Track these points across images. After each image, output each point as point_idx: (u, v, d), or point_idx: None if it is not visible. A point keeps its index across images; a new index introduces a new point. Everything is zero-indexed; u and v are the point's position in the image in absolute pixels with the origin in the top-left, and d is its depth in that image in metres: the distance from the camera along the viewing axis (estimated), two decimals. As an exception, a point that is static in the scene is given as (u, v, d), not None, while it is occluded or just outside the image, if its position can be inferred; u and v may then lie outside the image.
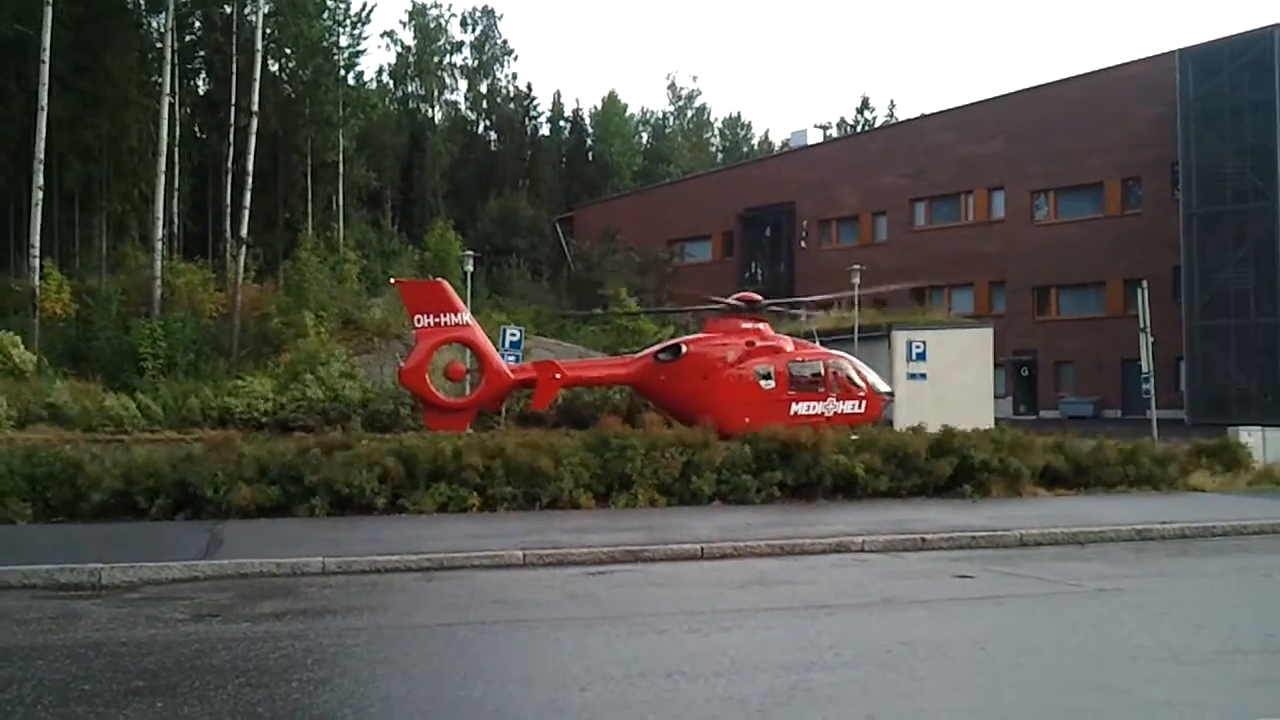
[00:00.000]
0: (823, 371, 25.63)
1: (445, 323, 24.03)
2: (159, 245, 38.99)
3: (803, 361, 25.81)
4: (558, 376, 25.04)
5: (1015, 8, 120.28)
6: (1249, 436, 24.20)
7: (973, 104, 55.72)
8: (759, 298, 28.62)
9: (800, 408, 24.52)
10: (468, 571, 12.84)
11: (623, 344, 33.59)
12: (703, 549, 14.03)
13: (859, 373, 26.16)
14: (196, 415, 27.61)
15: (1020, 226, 52.70)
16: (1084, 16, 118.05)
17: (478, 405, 25.23)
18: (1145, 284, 28.00)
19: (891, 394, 27.56)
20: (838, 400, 25.25)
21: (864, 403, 25.66)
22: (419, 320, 24.10)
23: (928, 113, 62.09)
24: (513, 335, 28.27)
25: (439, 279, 28.19)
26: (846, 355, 27.39)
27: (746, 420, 21.83)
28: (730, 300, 27.38)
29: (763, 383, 24.93)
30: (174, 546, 13.57)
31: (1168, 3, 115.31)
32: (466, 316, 24.59)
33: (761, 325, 26.27)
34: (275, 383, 29.20)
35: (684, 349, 25.64)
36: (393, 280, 28.63)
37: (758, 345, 25.54)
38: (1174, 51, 46.00)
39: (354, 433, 19.16)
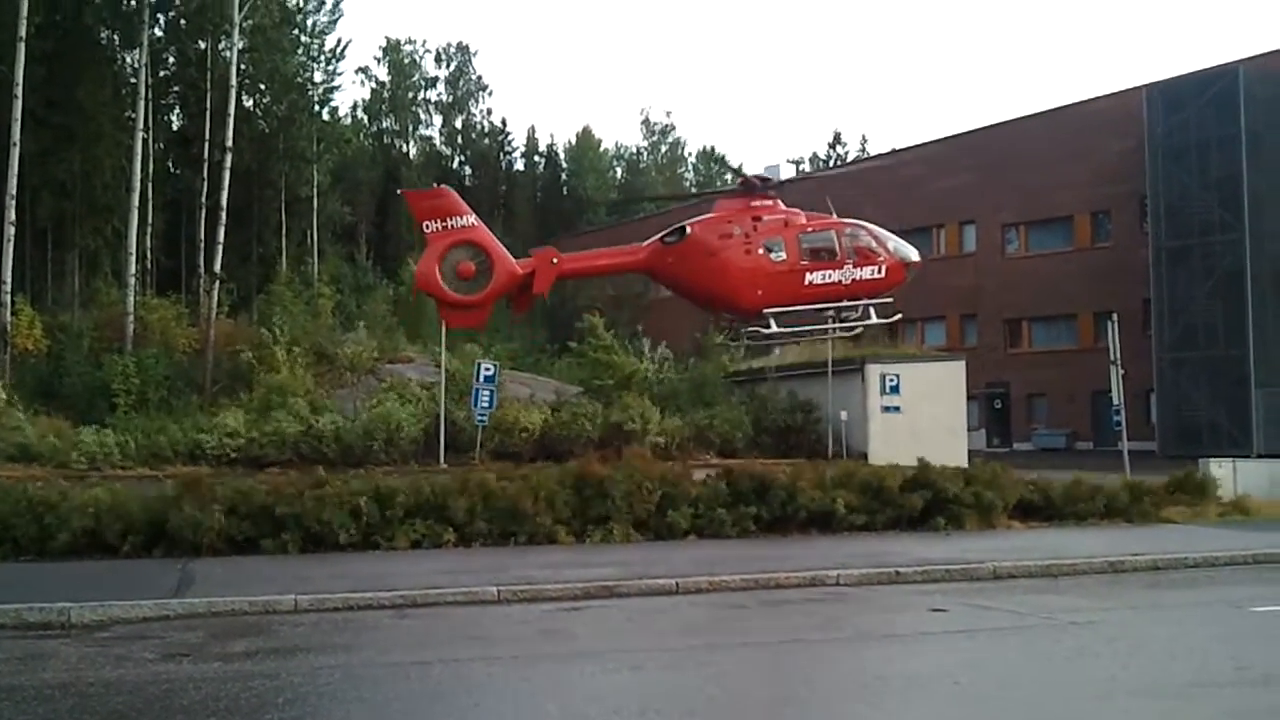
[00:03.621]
0: (836, 239, 25.44)
1: (452, 225, 24.54)
2: (132, 281, 38.75)
3: (814, 231, 25.59)
4: (555, 261, 25.24)
5: (985, 44, 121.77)
6: (1219, 468, 24.39)
7: (944, 139, 56.23)
8: (770, 177, 28.07)
9: (815, 277, 24.36)
10: (442, 608, 12.79)
11: (597, 377, 33.54)
12: (677, 584, 14.01)
13: (878, 239, 25.88)
14: (168, 451, 27.35)
15: (991, 260, 53.09)
16: (1053, 53, 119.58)
17: (491, 300, 25.58)
18: (1115, 317, 28.21)
19: (918, 262, 27.09)
20: (855, 267, 25.04)
21: (884, 268, 25.37)
22: (427, 226, 24.82)
23: (899, 147, 62.56)
24: (487, 370, 28.20)
25: (444, 186, 28.50)
26: (865, 223, 26.95)
27: (759, 294, 21.66)
28: (738, 181, 27.00)
29: (773, 256, 24.72)
30: (144, 585, 13.46)
31: (1135, 39, 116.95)
32: (473, 219, 25.03)
33: (771, 202, 26.11)
34: (248, 418, 29.01)
35: (688, 229, 25.62)
36: (399, 191, 28.75)
37: (765, 220, 25.38)
38: (1141, 87, 46.60)
39: (322, 475, 19.00)
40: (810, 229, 25.55)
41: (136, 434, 27.80)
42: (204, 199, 42.65)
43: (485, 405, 27.74)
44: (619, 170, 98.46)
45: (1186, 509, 21.72)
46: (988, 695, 8.88)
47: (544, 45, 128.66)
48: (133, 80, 44.76)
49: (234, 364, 34.65)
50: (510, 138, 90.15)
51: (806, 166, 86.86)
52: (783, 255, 24.76)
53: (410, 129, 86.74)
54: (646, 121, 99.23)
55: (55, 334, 35.76)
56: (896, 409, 31.56)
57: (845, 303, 25.90)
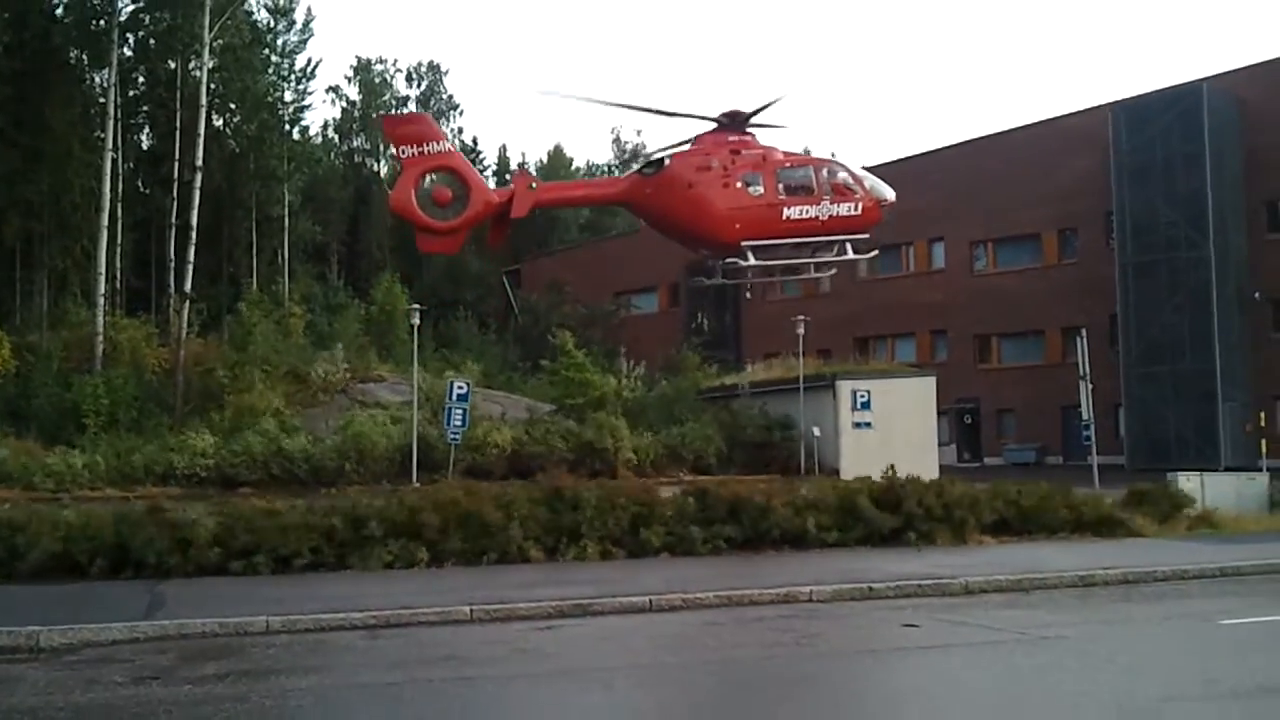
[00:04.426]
0: (814, 175, 25.51)
1: (428, 151, 24.61)
2: (101, 301, 38.53)
3: (792, 167, 25.70)
4: (533, 187, 25.34)
5: (952, 64, 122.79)
6: (1188, 481, 24.62)
7: (911, 156, 56.56)
8: (743, 111, 28.24)
9: (792, 212, 24.50)
10: (414, 628, 12.75)
11: (569, 395, 33.53)
12: (651, 601, 14.02)
13: (855, 177, 26.01)
14: (139, 472, 27.19)
15: (960, 276, 53.45)
16: (1019, 72, 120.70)
17: (467, 226, 25.66)
18: (1084, 333, 28.48)
19: (893, 201, 27.22)
20: (832, 204, 25.17)
21: (860, 205, 25.48)
22: (403, 151, 24.95)
23: (867, 165, 62.78)
24: (460, 388, 28.15)
25: (421, 113, 28.67)
26: (841, 161, 27.12)
27: (737, 227, 21.74)
28: (716, 115, 27.11)
29: (751, 190, 24.83)
30: (115, 607, 13.35)
31: (1101, 58, 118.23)
32: (448, 145, 25.15)
33: (748, 137, 26.18)
34: (218, 438, 28.85)
35: (666, 161, 25.68)
36: (376, 115, 28.94)
37: (743, 155, 25.45)
38: (1107, 105, 47.12)
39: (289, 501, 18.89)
40: (788, 164, 25.76)
41: (106, 455, 27.62)
42: (174, 218, 42.45)
43: (458, 424, 27.69)
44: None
45: (1156, 522, 21.89)
46: (960, 711, 8.93)
47: (515, 64, 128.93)
48: (102, 100, 44.58)
49: (204, 384, 34.47)
50: (482, 156, 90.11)
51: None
52: (760, 189, 24.94)
53: (381, 148, 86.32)
54: (617, 140, 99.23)
55: (24, 354, 35.51)
56: (868, 425, 31.68)
57: (822, 238, 26.14)
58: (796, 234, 26.01)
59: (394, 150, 25.80)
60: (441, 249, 23.37)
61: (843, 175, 25.87)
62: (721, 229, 22.15)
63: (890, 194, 26.96)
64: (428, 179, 25.71)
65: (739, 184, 25.02)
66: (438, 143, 24.87)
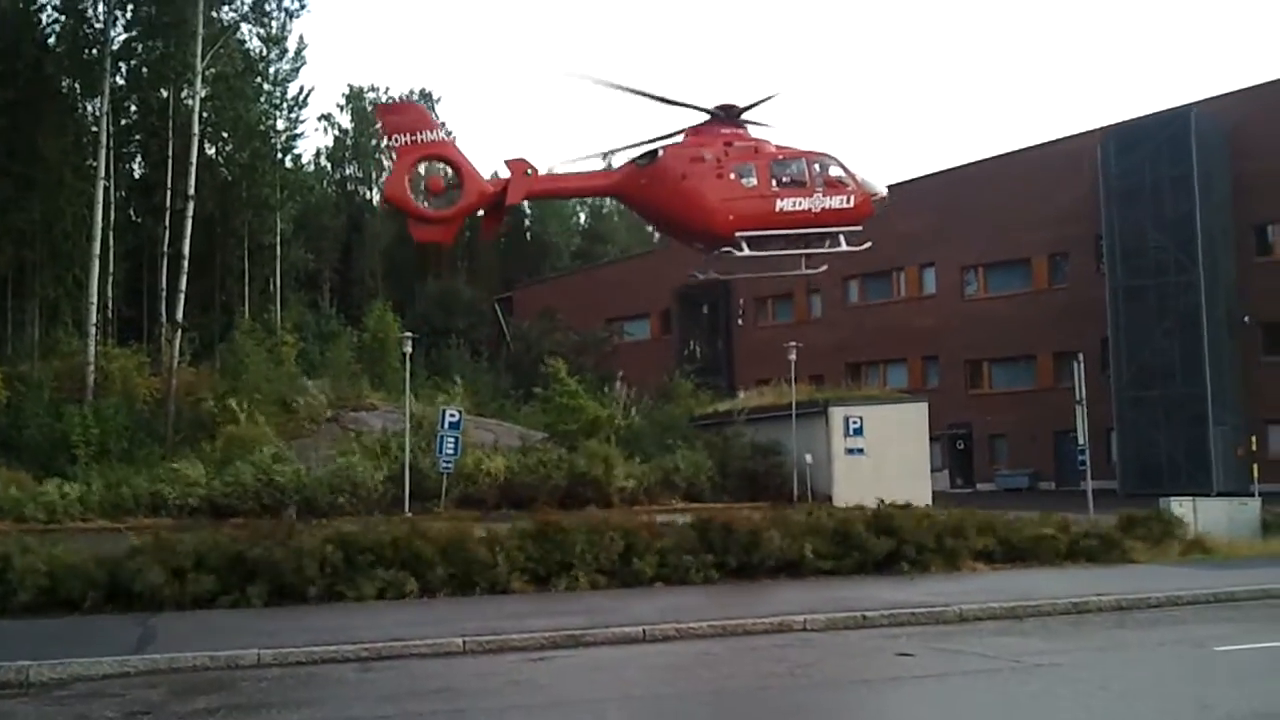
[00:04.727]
0: (807, 168, 25.58)
1: (422, 139, 24.65)
2: (92, 330, 38.51)
3: (785, 160, 25.74)
4: (530, 173, 25.30)
5: (942, 90, 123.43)
6: (1180, 507, 24.60)
7: (902, 183, 56.65)
8: (737, 105, 28.23)
9: (786, 204, 24.55)
10: (407, 660, 12.68)
11: (562, 422, 33.55)
12: (645, 631, 13.96)
13: (847, 171, 26.07)
14: (130, 502, 27.14)
15: (951, 302, 53.58)
16: (1009, 98, 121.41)
17: (461, 216, 25.65)
18: (1081, 357, 28.52)
19: (885, 196, 27.27)
20: (825, 196, 25.23)
21: (853, 198, 25.54)
22: (396, 139, 24.98)
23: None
24: (452, 416, 28.16)
25: (415, 102, 28.54)
26: (834, 154, 27.10)
27: (730, 218, 21.71)
28: (710, 108, 27.15)
29: (744, 181, 24.90)
30: (105, 641, 13.26)
31: (1090, 83, 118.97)
32: (442, 134, 25.21)
33: (740, 130, 26.26)
34: (209, 468, 28.80)
35: (660, 152, 25.71)
36: (370, 106, 28.87)
37: (736, 147, 25.51)
38: (1096, 130, 47.40)
39: (288, 520, 18.89)
40: (780, 157, 25.87)
41: (98, 486, 27.58)
42: (166, 247, 42.50)
43: (450, 452, 27.69)
44: (582, 216, 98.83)
45: (1149, 548, 21.88)
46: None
47: (506, 93, 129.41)
48: (94, 128, 44.71)
49: (196, 413, 34.42)
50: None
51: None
52: (754, 181, 25.08)
53: (373, 176, 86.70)
54: (609, 168, 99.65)
55: (14, 384, 35.41)
56: (860, 451, 31.75)
57: (816, 230, 26.23)
58: (790, 226, 26.17)
59: (387, 139, 25.83)
60: (435, 238, 23.51)
61: (835, 169, 26.10)
62: (714, 220, 22.29)
63: (882, 189, 27.15)
64: (422, 168, 25.84)
65: (732, 175, 25.28)
66: (431, 131, 25.08)
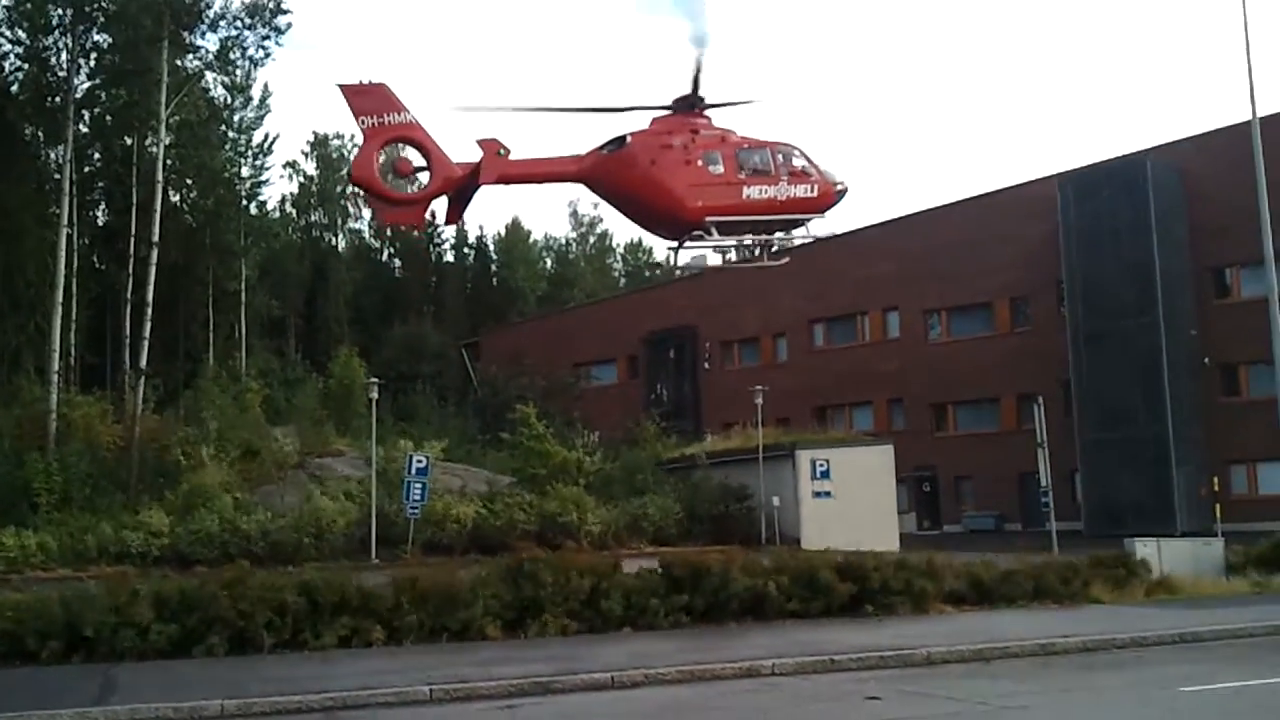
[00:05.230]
0: (771, 157, 25.76)
1: (389, 121, 24.42)
2: (55, 378, 38.13)
3: (750, 149, 25.94)
4: (501, 154, 25.18)
5: (901, 135, 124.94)
6: (1145, 548, 24.73)
7: (865, 227, 57.15)
8: (702, 98, 28.20)
9: (752, 191, 24.72)
10: (372, 710, 12.57)
11: (530, 466, 33.45)
12: (613, 678, 13.90)
13: (810, 161, 26.32)
14: (93, 551, 26.81)
15: (915, 345, 53.91)
16: (970, 144, 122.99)
17: (429, 199, 25.44)
18: (1041, 401, 28.76)
19: (846, 187, 27.51)
20: (789, 185, 25.44)
21: (816, 187, 25.78)
22: (363, 121, 24.68)
23: (819, 236, 63.24)
24: (419, 462, 28.04)
25: (380, 82, 27.93)
26: (797, 145, 27.32)
27: (699, 203, 21.80)
28: (669, 104, 27.29)
29: (711, 169, 25.05)
30: (65, 692, 13.08)
31: (1049, 130, 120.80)
32: (411, 116, 24.90)
33: (705, 119, 26.45)
34: (173, 516, 28.51)
35: (628, 138, 25.76)
36: (337, 85, 28.24)
37: (703, 134, 25.69)
38: (1055, 175, 48.03)
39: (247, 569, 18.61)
40: (745, 146, 26.19)
41: (59, 534, 27.23)
42: (129, 294, 42.24)
43: (417, 498, 27.56)
44: (549, 261, 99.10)
45: (1114, 589, 22.00)
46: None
47: (472, 139, 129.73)
48: (57, 176, 44.49)
49: (159, 460, 34.10)
50: (440, 230, 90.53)
51: (733, 256, 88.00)
52: (720, 168, 25.36)
53: (339, 222, 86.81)
54: (575, 214, 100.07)
55: (-25, 433, 34.93)
56: (828, 494, 31.84)
57: (781, 217, 26.52)
58: (756, 213, 26.47)
59: (354, 121, 25.62)
60: (402, 220, 23.47)
61: (799, 159, 26.48)
62: (683, 206, 22.56)
63: (844, 181, 27.50)
64: (390, 149, 25.74)
65: (699, 162, 25.63)
66: (398, 113, 24.91)
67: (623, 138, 26.41)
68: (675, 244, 28.86)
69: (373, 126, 24.84)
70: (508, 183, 26.72)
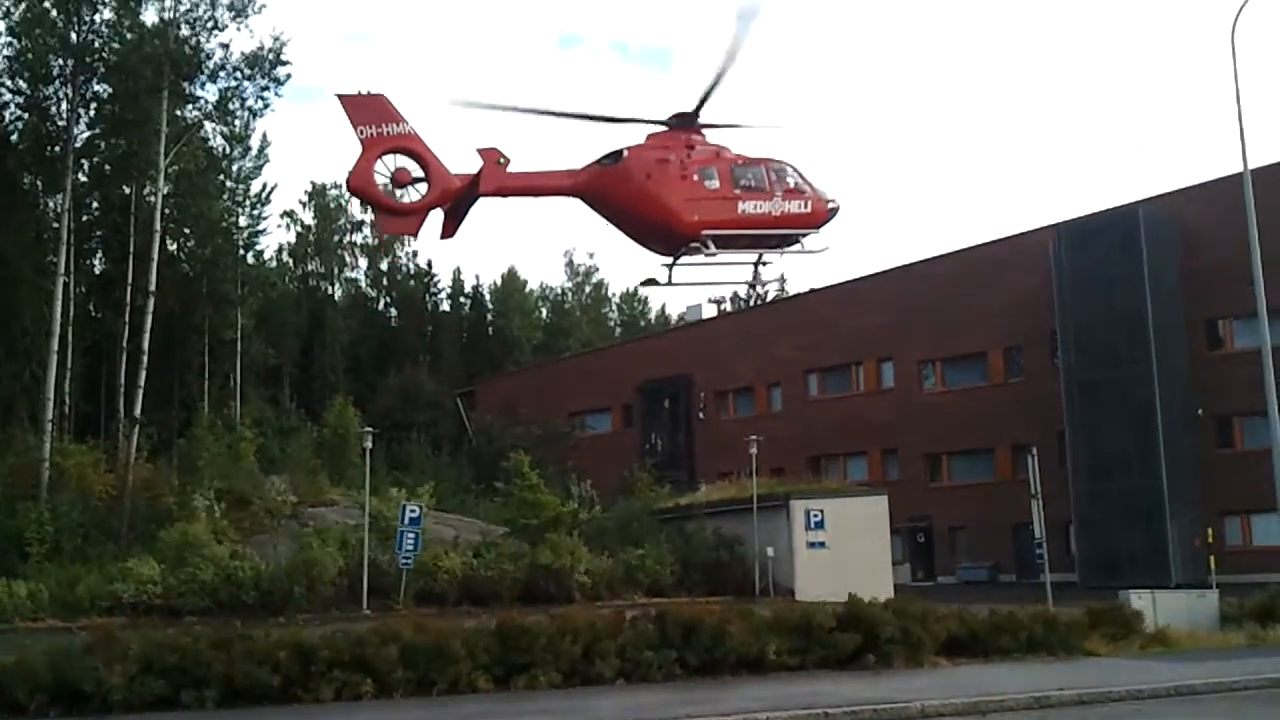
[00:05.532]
0: (765, 173, 26.05)
1: (387, 132, 24.58)
2: (49, 427, 38.06)
3: (745, 165, 26.22)
4: (501, 163, 25.31)
5: (895, 187, 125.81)
6: (1139, 599, 24.70)
7: (859, 278, 57.56)
8: (695, 115, 28.14)
9: (747, 206, 24.95)
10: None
11: (523, 516, 33.32)
12: (605, 731, 13.81)
13: (803, 178, 26.61)
14: (83, 602, 26.63)
15: (909, 395, 54.01)
16: (964, 193, 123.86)
17: (427, 209, 25.48)
18: (1035, 451, 28.74)
19: (838, 205, 27.78)
20: (783, 200, 25.73)
21: (809, 203, 26.07)
22: (362, 131, 24.79)
23: (816, 287, 63.62)
24: (412, 512, 27.96)
25: (379, 93, 27.79)
26: (789, 162, 27.60)
27: (696, 218, 21.99)
28: (664, 119, 27.48)
29: (707, 183, 25.29)
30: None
31: (1042, 182, 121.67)
32: (409, 127, 25.01)
33: (699, 136, 26.74)
34: (164, 565, 28.36)
35: (625, 152, 25.97)
36: (335, 94, 28.15)
37: (698, 150, 25.96)
38: (1048, 227, 48.35)
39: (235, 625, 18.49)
40: (740, 162, 26.56)
41: (50, 584, 27.07)
42: (125, 342, 42.24)
43: (410, 548, 27.46)
44: (544, 311, 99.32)
45: (1110, 641, 21.92)
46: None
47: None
48: (55, 225, 44.61)
49: (152, 509, 33.95)
50: (436, 279, 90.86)
51: (727, 306, 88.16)
52: (716, 183, 25.70)
53: (336, 271, 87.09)
54: (570, 263, 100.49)
55: (-34, 482, 34.79)
56: (822, 544, 31.78)
57: (775, 232, 26.85)
58: (751, 227, 26.84)
59: (352, 131, 25.79)
60: (400, 230, 23.82)
61: (792, 175, 26.88)
62: (683, 218, 22.87)
63: (836, 199, 27.85)
64: (388, 159, 25.92)
65: (695, 177, 25.98)
66: (397, 124, 25.14)
67: (619, 152, 26.77)
68: (670, 259, 29.14)
69: (371, 137, 25.15)
70: (505, 194, 26.98)
